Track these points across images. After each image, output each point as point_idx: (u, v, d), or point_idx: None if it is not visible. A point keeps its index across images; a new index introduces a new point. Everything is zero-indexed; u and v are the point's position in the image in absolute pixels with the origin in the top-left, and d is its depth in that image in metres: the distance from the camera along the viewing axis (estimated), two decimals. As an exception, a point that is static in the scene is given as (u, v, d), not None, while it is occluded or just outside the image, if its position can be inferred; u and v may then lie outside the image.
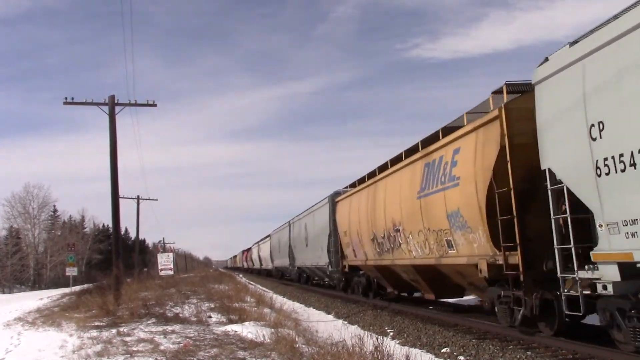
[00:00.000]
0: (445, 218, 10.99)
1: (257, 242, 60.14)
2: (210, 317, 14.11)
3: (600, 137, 6.83)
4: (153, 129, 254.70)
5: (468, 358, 8.48)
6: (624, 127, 6.47)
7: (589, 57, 7.04)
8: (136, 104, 21.80)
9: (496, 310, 10.10)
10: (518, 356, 8.24)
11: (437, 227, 11.55)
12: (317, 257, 24.41)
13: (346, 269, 20.54)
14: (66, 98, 20.82)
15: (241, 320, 12.83)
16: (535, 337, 9.23)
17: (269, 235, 47.34)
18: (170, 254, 49.34)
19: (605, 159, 6.76)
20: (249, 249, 74.34)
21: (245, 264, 79.65)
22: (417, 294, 17.16)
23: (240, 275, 57.62)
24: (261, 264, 56.17)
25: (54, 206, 71.46)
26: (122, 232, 69.96)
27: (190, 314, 14.98)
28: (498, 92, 9.85)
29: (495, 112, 9.34)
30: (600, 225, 6.97)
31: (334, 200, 21.54)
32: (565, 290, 7.79)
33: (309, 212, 27.03)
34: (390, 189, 14.56)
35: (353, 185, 19.55)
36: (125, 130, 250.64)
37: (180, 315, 14.78)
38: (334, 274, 22.44)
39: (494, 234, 9.42)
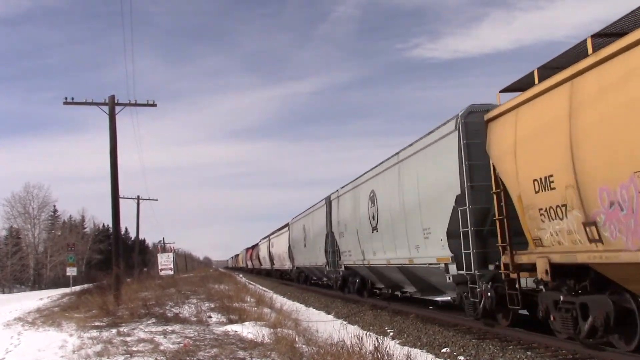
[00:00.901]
0: None
1: (268, 236, 47.44)
2: (210, 317, 14.11)
3: None
4: (153, 129, 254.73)
5: (468, 358, 8.47)
6: None
7: None
8: (136, 104, 21.87)
9: None
10: (518, 356, 8.24)
11: None
12: (414, 250, 13.01)
13: (546, 273, 8.28)
14: (66, 98, 20.89)
15: (241, 320, 12.83)
16: (535, 336, 9.22)
17: (286, 225, 35.68)
18: (170, 254, 49.46)
19: None
20: (254, 246, 61.88)
21: (249, 264, 68.71)
22: None
23: (241, 276, 57.57)
24: (272, 264, 44.60)
25: (54, 206, 71.67)
26: (122, 232, 70.02)
27: (190, 314, 14.99)
28: None
29: None
30: None
31: (479, 120, 10.13)
32: None
33: (383, 169, 15.15)
34: None
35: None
36: (125, 130, 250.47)
37: (180, 315, 14.78)
38: (463, 281, 10.91)
39: None
